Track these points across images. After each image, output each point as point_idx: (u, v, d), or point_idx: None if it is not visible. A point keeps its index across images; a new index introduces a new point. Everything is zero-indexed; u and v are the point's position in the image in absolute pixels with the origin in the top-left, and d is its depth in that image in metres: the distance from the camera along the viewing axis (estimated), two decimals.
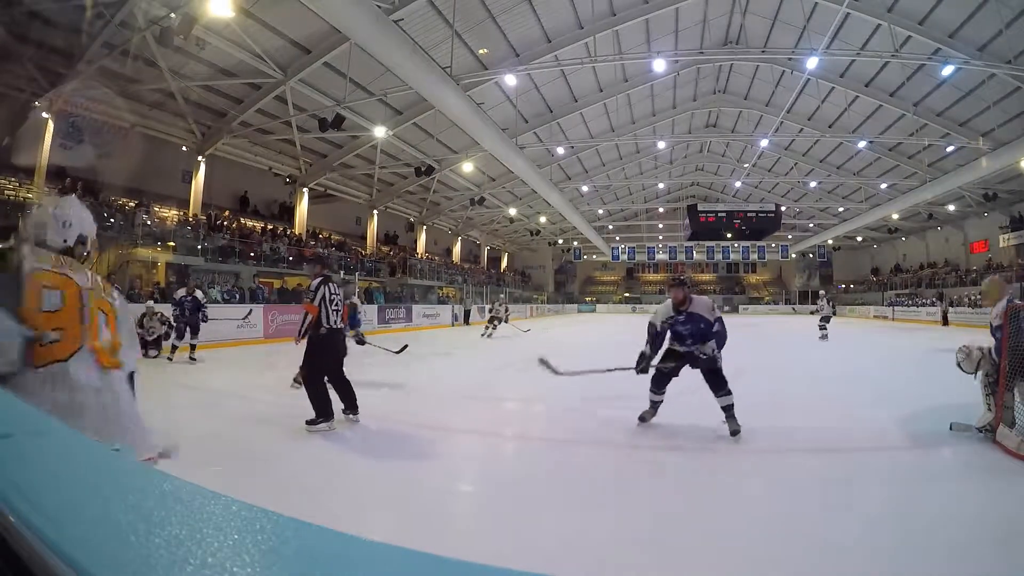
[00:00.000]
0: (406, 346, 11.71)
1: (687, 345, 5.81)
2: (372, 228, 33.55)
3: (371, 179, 30.79)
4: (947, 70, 19.90)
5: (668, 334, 5.93)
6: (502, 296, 21.41)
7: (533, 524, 3.44)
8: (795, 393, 8.57)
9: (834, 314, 20.42)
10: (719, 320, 5.66)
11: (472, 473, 4.35)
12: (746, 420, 5.54)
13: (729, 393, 5.59)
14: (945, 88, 23.07)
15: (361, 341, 8.57)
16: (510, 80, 21.05)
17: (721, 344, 5.69)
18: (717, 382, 5.64)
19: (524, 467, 4.52)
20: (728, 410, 5.57)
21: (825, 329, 19.54)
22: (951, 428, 5.57)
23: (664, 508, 3.73)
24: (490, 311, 21.56)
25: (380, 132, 22.15)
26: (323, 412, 5.66)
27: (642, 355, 5.92)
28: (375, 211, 33.43)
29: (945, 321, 28.31)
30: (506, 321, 22.00)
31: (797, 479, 4.37)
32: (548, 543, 3.15)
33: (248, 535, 0.66)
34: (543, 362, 6.35)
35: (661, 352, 5.97)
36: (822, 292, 23.86)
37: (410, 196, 35.35)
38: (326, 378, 5.85)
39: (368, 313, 21.64)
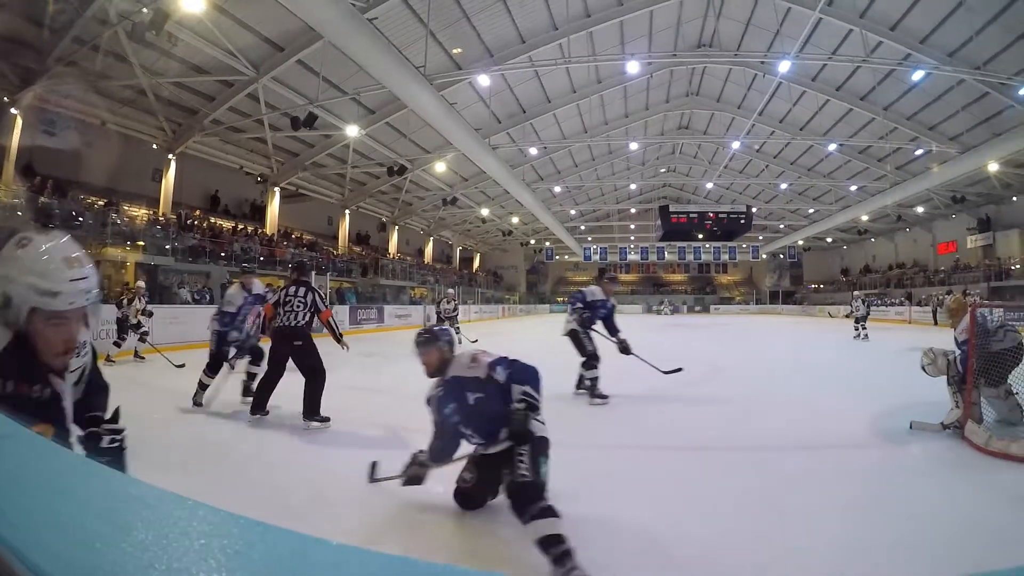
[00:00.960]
0: (679, 369, 9.47)
1: (477, 438, 3.56)
2: (344, 228, 33.36)
3: (343, 178, 30.59)
4: (917, 75, 20.55)
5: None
6: (450, 291, 17.42)
7: (499, 525, 3.39)
8: (772, 391, 8.70)
9: (869, 314, 19.72)
10: (501, 365, 3.48)
11: (440, 474, 4.31)
12: (721, 422, 5.54)
13: (547, 512, 2.82)
14: (915, 93, 23.65)
15: (626, 351, 7.61)
16: (483, 80, 21.07)
17: (525, 383, 3.40)
18: (520, 496, 2.93)
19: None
20: (547, 547, 2.68)
21: (863, 329, 19.03)
22: (911, 427, 5.70)
23: (630, 507, 3.76)
24: (437, 312, 16.18)
25: (352, 131, 21.98)
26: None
27: (412, 458, 3.74)
28: (347, 211, 33.24)
29: (935, 320, 28.59)
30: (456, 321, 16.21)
31: (771, 476, 4.45)
32: (517, 543, 3.08)
33: (214, 539, 0.67)
34: (375, 473, 3.89)
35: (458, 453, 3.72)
36: (856, 292, 22.80)
37: (382, 196, 35.15)
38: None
39: (339, 313, 21.48)
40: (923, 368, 5.96)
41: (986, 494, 4.00)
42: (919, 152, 27.07)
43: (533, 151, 30.06)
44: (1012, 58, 19.06)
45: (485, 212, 39.78)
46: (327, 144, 26.00)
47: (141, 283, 12.97)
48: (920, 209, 36.88)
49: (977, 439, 5.00)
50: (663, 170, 45.24)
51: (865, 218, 39.82)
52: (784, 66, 20.20)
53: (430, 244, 45.18)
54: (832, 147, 29.43)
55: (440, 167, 28.82)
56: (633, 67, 21.17)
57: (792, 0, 20.44)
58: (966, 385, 5.36)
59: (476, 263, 55.84)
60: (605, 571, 2.78)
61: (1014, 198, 31.19)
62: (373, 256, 34.16)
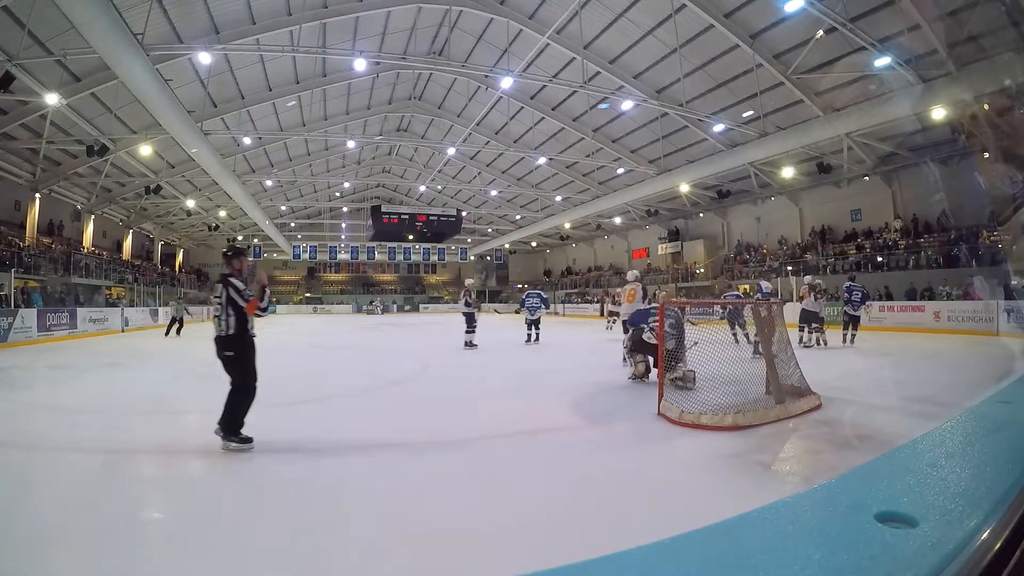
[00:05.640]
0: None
1: None
2: (33, 215, 27.00)
3: (36, 155, 24.88)
4: (626, 105, 24.00)
5: None
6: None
7: (235, 541, 3.25)
8: (490, 387, 9.23)
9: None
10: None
11: (159, 496, 4.02)
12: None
13: None
14: (623, 119, 27.35)
15: None
16: (204, 58, 18.90)
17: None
18: None
19: (218, 483, 4.33)
20: None
21: (818, 334, 13.64)
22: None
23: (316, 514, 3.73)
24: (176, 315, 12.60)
25: (53, 99, 18.34)
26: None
27: None
28: (38, 195, 27.02)
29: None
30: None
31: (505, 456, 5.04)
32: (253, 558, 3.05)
33: None
34: None
35: None
36: (809, 278, 14.72)
37: (79, 179, 29.23)
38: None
39: (26, 319, 18.36)
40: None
41: (681, 459, 4.90)
42: (620, 171, 31.26)
43: (247, 140, 28.47)
44: (711, 101, 23.18)
45: (191, 204, 36.31)
46: (22, 112, 20.96)
47: None
48: (618, 220, 42.45)
49: (671, 414, 5.93)
50: (379, 170, 45.83)
51: (568, 225, 44.33)
52: (507, 82, 21.59)
53: (129, 237, 38.99)
54: (542, 160, 32.45)
55: (146, 150, 25.50)
56: (361, 64, 20.90)
57: (524, 23, 22.26)
58: (658, 370, 6.67)
59: (179, 260, 50.61)
60: None
61: (700, 214, 37.90)
62: (65, 250, 28.46)
